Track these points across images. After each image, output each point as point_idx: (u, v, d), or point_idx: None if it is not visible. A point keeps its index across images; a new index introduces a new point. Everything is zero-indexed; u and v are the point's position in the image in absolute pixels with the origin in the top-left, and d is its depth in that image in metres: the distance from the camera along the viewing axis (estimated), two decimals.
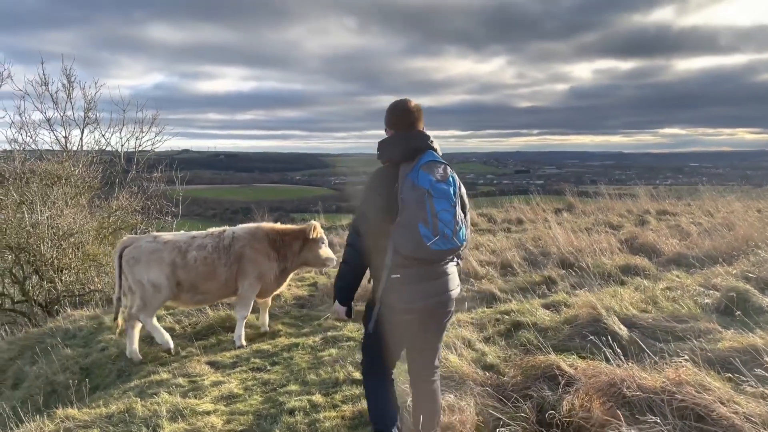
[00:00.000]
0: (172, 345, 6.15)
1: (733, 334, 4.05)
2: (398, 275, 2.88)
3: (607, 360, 3.85)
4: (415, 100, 3.09)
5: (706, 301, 5.12)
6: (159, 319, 7.29)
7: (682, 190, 19.19)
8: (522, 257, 8.43)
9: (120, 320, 6.45)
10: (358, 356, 5.00)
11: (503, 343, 4.75)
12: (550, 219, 12.91)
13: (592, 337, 4.30)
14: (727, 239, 8.68)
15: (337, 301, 3.16)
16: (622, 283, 6.88)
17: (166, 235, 6.30)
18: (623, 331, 4.35)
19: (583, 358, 3.89)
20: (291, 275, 6.80)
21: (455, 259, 3.07)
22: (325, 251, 6.48)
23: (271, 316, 7.13)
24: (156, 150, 15.44)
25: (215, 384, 4.89)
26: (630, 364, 3.26)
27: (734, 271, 6.49)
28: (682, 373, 2.82)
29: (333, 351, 5.35)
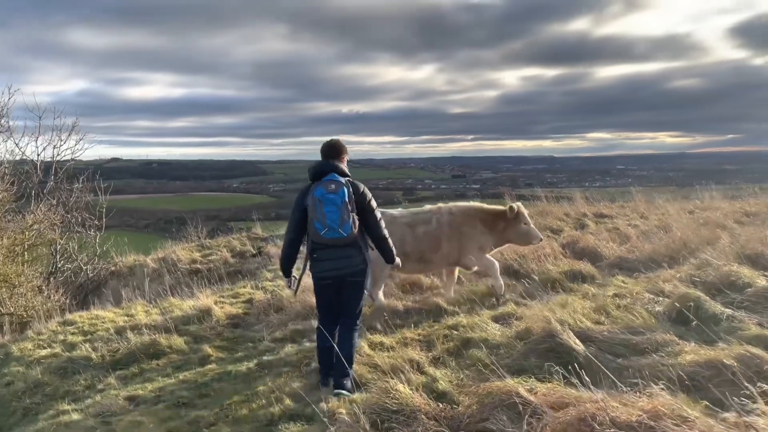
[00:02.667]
0: (383, 301, 6.59)
1: (694, 346, 3.85)
2: (315, 255, 4.36)
3: (568, 381, 3.58)
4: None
5: (658, 308, 4.96)
6: (74, 346, 6.58)
7: (615, 193, 19.68)
8: None
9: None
10: (296, 384, 4.54)
11: (454, 363, 4.40)
12: None
13: (549, 354, 4.05)
14: (666, 242, 8.72)
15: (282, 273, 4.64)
16: (569, 290, 6.73)
17: (394, 212, 6.90)
18: (579, 347, 4.09)
19: (542, 381, 3.59)
20: (494, 251, 7.20)
21: (358, 245, 4.34)
22: (527, 229, 6.89)
23: (201, 339, 6.56)
24: (78, 159, 14.39)
25: (132, 427, 4.30)
26: (596, 391, 2.97)
27: (678, 275, 6.43)
28: (658, 403, 2.55)
29: (269, 379, 4.86)
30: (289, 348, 5.64)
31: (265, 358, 5.53)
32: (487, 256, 6.86)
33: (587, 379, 3.43)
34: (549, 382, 3.57)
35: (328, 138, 4.58)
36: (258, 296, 8.06)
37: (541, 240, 7.05)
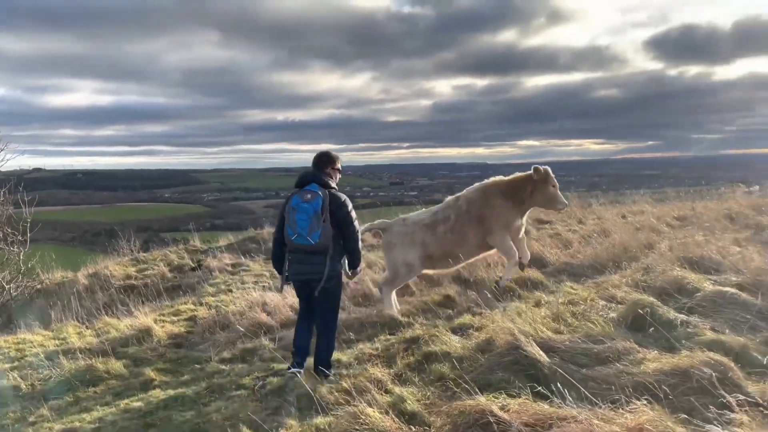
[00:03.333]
0: (397, 315, 6.32)
1: (655, 354, 3.90)
2: (289, 257, 4.73)
3: (538, 394, 3.53)
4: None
5: (612, 315, 5.01)
6: None
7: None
8: None
9: None
10: (252, 409, 4.30)
11: (418, 380, 4.27)
12: None
13: (515, 366, 4.00)
14: (607, 247, 8.95)
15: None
16: (521, 298, 6.77)
17: (413, 216, 6.92)
18: (544, 358, 4.05)
19: (513, 396, 3.52)
20: (526, 215, 7.10)
21: (327, 253, 4.55)
22: (554, 192, 6.74)
23: (141, 361, 6.16)
24: None
25: None
26: (571, 406, 2.92)
27: (624, 280, 6.57)
28: (643, 420, 2.51)
29: (221, 404, 4.57)
30: (240, 368, 5.36)
31: (214, 380, 5.22)
32: (510, 242, 6.72)
33: (557, 392, 3.40)
34: (519, 397, 3.51)
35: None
36: (201, 313, 7.69)
37: (566, 206, 7.06)
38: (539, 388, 3.58)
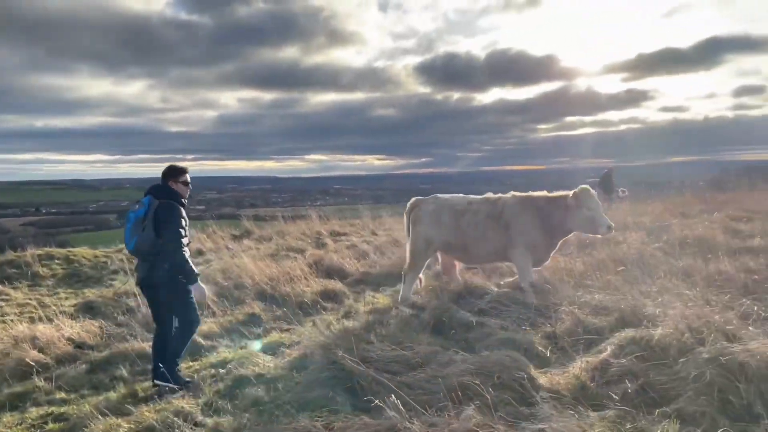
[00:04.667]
0: (411, 299, 6.19)
1: (461, 356, 4.17)
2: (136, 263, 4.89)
3: (360, 407, 3.53)
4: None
5: (415, 321, 5.28)
6: None
7: (345, 210, 20.97)
8: (215, 293, 7.61)
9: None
10: None
11: (231, 407, 3.98)
12: (233, 247, 12.35)
13: (333, 381, 3.96)
14: (400, 256, 9.50)
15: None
16: (327, 310, 6.80)
17: (446, 197, 6.66)
18: (360, 369, 4.09)
19: (335, 412, 3.47)
20: (560, 243, 6.45)
21: (153, 260, 4.57)
22: (590, 215, 5.89)
23: None
24: None
25: None
26: (397, 416, 2.96)
27: (421, 287, 7.02)
28: (473, 426, 2.63)
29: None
30: (9, 418, 4.45)
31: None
32: (528, 264, 6.19)
33: (394, 405, 3.42)
34: (341, 413, 3.47)
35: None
36: None
37: (610, 230, 5.89)
38: (361, 400, 3.58)
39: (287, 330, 5.87)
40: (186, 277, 4.61)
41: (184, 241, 4.63)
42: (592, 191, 6.00)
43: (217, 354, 5.29)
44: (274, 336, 5.54)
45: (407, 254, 6.78)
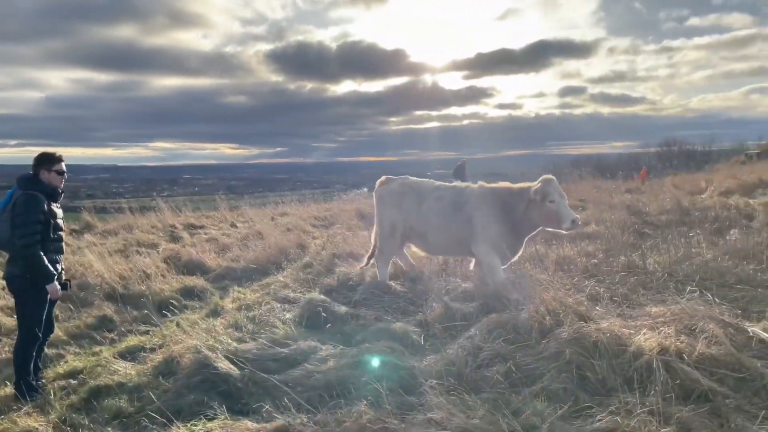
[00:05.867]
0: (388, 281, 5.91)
1: (339, 350, 4.13)
2: None
3: (237, 410, 3.36)
4: None
5: (288, 316, 5.17)
6: None
7: (198, 201, 19.96)
8: None
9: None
10: None
11: (89, 421, 3.58)
12: (72, 243, 11.19)
13: (206, 385, 3.73)
14: (264, 249, 9.26)
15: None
16: (186, 308, 6.42)
17: (415, 180, 6.27)
18: (235, 371, 3.89)
19: (211, 418, 3.26)
20: (526, 239, 5.81)
21: (11, 257, 4.22)
22: (552, 208, 5.30)
23: None
24: None
25: None
26: (277, 416, 2.85)
27: (287, 280, 6.89)
28: (366, 422, 2.59)
29: None
30: None
31: None
32: (494, 259, 5.60)
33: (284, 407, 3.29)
34: (217, 419, 3.28)
35: None
36: None
37: (576, 226, 5.35)
38: (238, 404, 3.42)
39: (146, 332, 5.44)
40: (36, 278, 4.14)
41: (62, 235, 4.37)
42: (555, 181, 5.46)
43: (65, 363, 4.75)
44: (132, 340, 5.10)
45: (375, 236, 6.45)
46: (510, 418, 2.93)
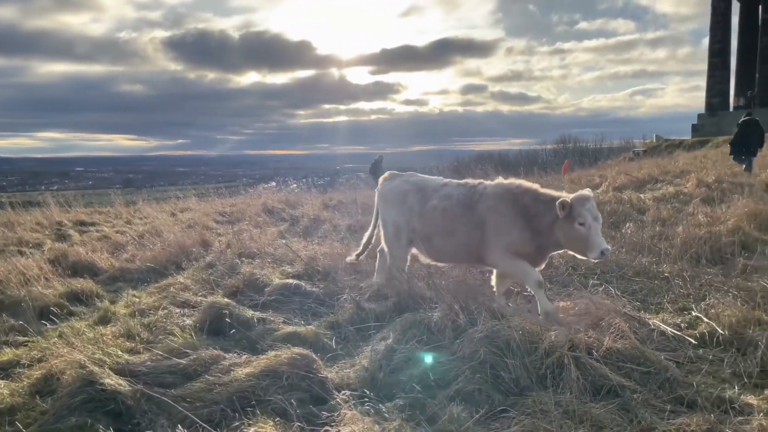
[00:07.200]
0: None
1: (245, 358, 3.84)
2: None
3: None
4: None
5: (189, 322, 4.79)
6: None
7: (91, 196, 18.59)
8: None
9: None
10: None
11: None
12: None
13: (91, 405, 3.33)
14: (163, 247, 8.65)
15: None
16: (73, 315, 5.83)
17: (419, 177, 5.63)
18: (124, 387, 3.50)
19: None
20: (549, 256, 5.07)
21: None
22: (584, 233, 4.38)
23: None
24: None
25: None
26: None
27: (189, 281, 6.45)
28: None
29: None
30: None
31: None
32: (516, 261, 4.80)
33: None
34: None
35: None
36: None
37: (605, 255, 4.45)
38: (129, 424, 3.06)
39: (24, 345, 4.85)
40: None
41: None
42: (592, 200, 4.55)
43: None
44: (7, 353, 4.50)
45: (368, 235, 5.95)
46: (426, 426, 2.80)
